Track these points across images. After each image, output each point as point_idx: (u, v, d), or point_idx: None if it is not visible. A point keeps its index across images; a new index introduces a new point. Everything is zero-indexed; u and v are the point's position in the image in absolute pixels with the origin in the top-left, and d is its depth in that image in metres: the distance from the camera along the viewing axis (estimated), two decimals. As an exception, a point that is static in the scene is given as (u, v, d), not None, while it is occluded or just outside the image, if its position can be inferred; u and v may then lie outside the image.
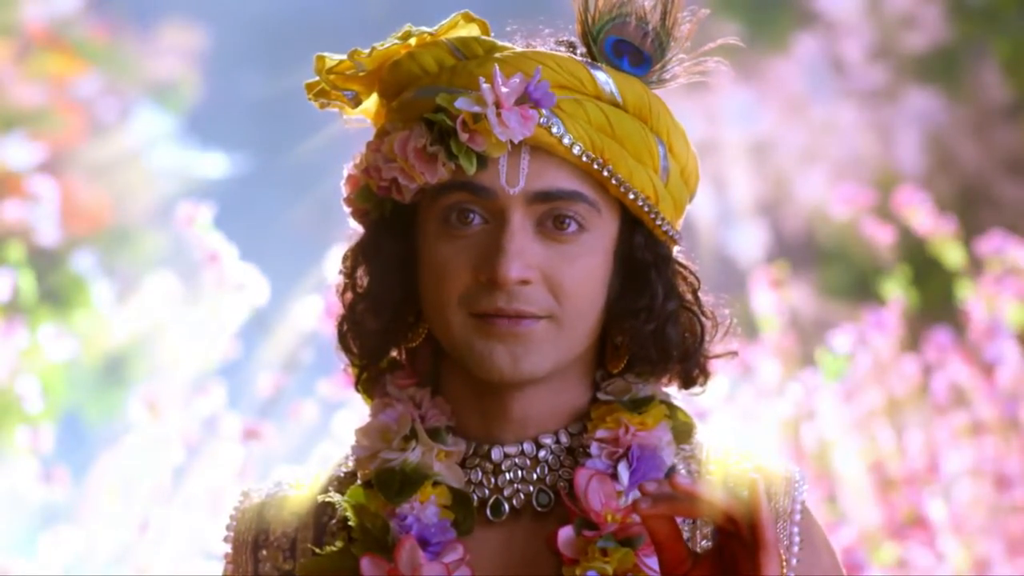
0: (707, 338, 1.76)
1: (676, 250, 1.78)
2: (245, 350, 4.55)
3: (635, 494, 1.67)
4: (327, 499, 1.74)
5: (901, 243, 5.09)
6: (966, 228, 5.07)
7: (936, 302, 5.60)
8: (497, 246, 1.66)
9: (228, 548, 1.78)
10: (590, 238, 1.69)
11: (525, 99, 1.67)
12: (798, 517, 1.72)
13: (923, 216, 5.04)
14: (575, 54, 1.73)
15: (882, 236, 5.09)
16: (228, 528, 1.79)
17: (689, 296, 1.77)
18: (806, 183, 8.49)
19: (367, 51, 1.73)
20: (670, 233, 1.75)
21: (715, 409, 4.73)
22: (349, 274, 1.76)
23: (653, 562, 1.63)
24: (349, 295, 1.76)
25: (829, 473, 4.65)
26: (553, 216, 1.68)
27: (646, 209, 1.71)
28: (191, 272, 4.73)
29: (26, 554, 4.55)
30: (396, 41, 1.73)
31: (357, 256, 1.76)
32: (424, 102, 1.69)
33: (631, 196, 1.70)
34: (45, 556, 4.40)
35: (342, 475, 1.78)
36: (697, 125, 8.33)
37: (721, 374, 4.78)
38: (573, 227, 1.68)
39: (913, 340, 4.87)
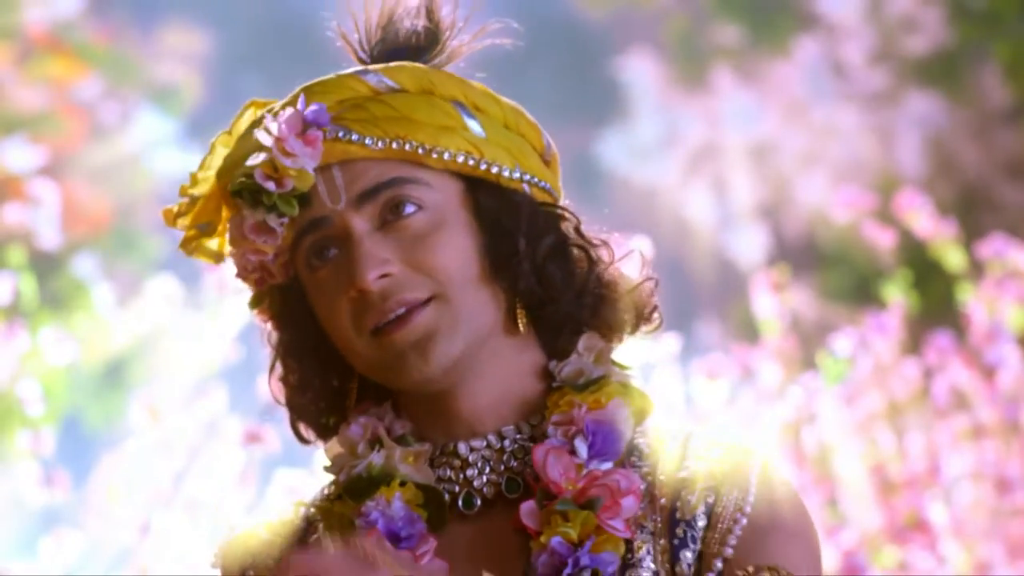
0: (600, 265, 1.76)
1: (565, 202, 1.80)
2: (246, 353, 4.55)
3: (596, 465, 1.68)
4: (301, 505, 1.78)
5: (902, 246, 5.09)
6: (967, 231, 5.07)
7: (937, 305, 5.60)
8: (349, 260, 1.69)
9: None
10: (431, 214, 1.71)
11: (305, 127, 1.70)
12: (754, 490, 1.68)
13: (924, 219, 5.05)
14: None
15: (883, 239, 5.10)
16: (216, 557, 1.80)
17: (572, 233, 1.77)
18: (807, 186, 8.49)
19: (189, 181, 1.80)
20: (521, 178, 1.76)
21: (716, 412, 4.73)
22: (280, 372, 1.80)
23: (617, 523, 1.64)
24: (287, 391, 1.80)
25: (830, 476, 4.65)
26: (389, 207, 1.70)
27: (471, 163, 1.73)
28: (192, 276, 4.73)
29: (27, 557, 4.55)
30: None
31: (278, 354, 1.80)
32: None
33: (447, 156, 1.72)
34: (46, 559, 4.40)
35: (325, 495, 1.80)
36: (697, 128, 8.33)
37: (722, 377, 4.78)
38: (410, 208, 1.70)
39: (914, 343, 4.87)
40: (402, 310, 1.68)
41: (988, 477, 4.58)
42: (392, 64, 1.76)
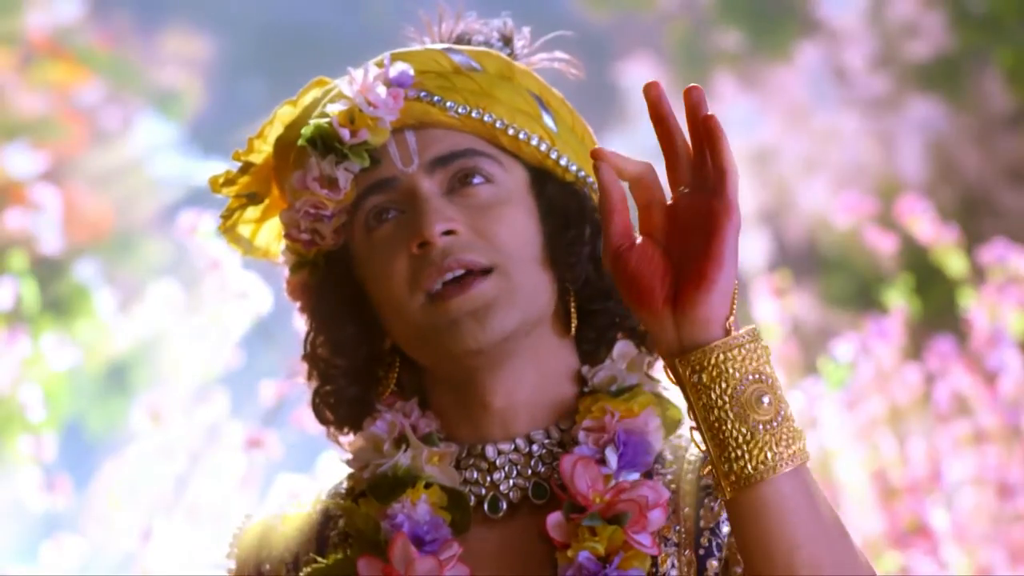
0: None
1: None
2: (248, 358, 4.55)
3: (625, 476, 1.67)
4: (322, 503, 1.76)
5: (903, 252, 5.10)
6: (968, 237, 5.07)
7: (938, 311, 5.60)
8: (416, 215, 1.68)
9: (231, 565, 1.78)
10: (499, 189, 1.71)
11: (387, 85, 1.72)
12: None
13: (925, 225, 5.04)
14: None
15: (884, 245, 5.10)
16: (231, 546, 1.79)
17: None
18: (808, 191, 8.50)
19: (245, 149, 1.80)
20: (582, 175, 1.77)
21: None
22: (312, 355, 1.78)
23: (644, 538, 1.63)
24: (316, 370, 1.78)
25: (832, 482, 4.65)
26: (458, 177, 1.71)
27: (544, 148, 1.75)
28: (193, 280, 4.73)
29: (28, 563, 4.55)
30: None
31: (312, 331, 1.78)
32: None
33: (522, 136, 1.74)
34: (47, 565, 4.40)
35: (343, 491, 1.79)
36: (699, 134, 8.32)
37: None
38: (479, 179, 1.71)
39: (915, 349, 4.86)
40: (460, 271, 1.67)
41: (989, 482, 4.58)
42: (476, 47, 1.78)
